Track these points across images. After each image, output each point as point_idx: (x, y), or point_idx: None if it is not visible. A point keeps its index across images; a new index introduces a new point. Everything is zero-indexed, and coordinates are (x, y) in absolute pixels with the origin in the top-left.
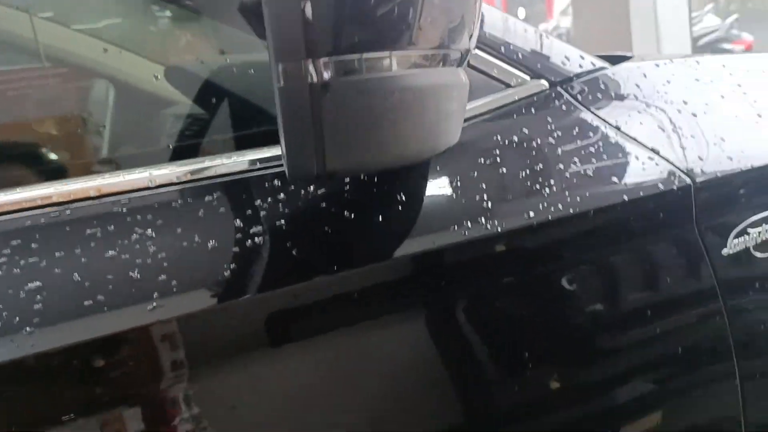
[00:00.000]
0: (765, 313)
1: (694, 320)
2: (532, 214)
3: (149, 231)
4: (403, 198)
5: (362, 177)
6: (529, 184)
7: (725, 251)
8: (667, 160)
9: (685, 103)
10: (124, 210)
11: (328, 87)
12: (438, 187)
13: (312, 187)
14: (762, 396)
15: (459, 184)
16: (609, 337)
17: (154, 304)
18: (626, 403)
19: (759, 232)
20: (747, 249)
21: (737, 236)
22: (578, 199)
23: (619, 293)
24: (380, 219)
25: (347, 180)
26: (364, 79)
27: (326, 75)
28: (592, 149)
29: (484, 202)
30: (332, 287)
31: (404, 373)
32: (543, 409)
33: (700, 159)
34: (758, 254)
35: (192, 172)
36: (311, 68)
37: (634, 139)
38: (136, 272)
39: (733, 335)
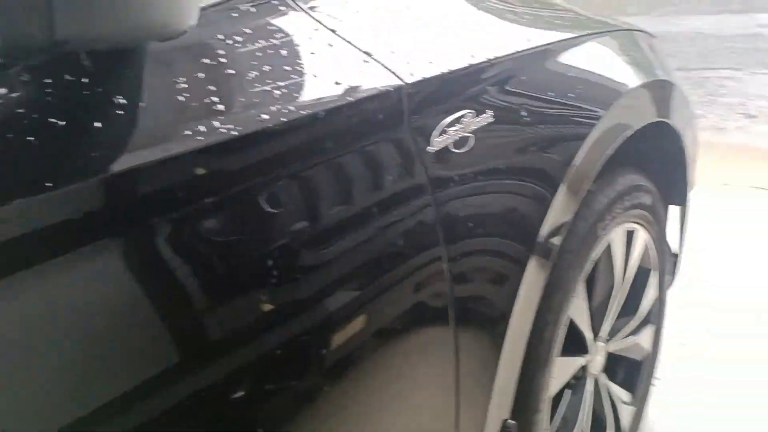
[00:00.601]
0: (466, 202)
1: (408, 214)
2: (266, 117)
3: None
4: (123, 101)
5: (68, 76)
6: (257, 86)
7: (430, 149)
8: (381, 63)
9: (390, 9)
10: None
11: None
12: (163, 87)
13: (6, 89)
14: (466, 273)
15: (186, 86)
16: (336, 226)
17: None
18: (346, 293)
19: (455, 131)
20: (447, 146)
21: (439, 135)
22: (303, 101)
23: (342, 193)
24: (96, 126)
25: (51, 80)
26: None
27: None
28: (312, 52)
29: (215, 105)
30: (35, 211)
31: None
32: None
33: (408, 62)
34: (456, 150)
35: None
36: None
37: (350, 42)
38: None
39: (440, 223)
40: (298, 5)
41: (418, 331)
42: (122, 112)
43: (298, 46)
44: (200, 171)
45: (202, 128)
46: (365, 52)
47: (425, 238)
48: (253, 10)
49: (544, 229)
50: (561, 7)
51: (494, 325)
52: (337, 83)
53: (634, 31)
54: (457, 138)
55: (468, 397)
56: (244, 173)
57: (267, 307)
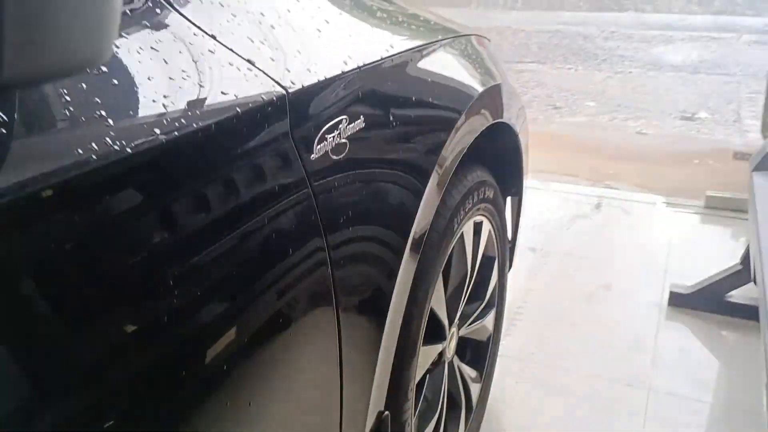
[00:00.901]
0: (345, 203)
1: (292, 216)
2: (158, 131)
3: None
4: (3, 117)
5: None
6: (144, 98)
7: (313, 156)
8: (263, 71)
9: (263, 14)
10: None
11: None
12: (46, 100)
13: None
14: (346, 259)
15: (69, 98)
16: (228, 231)
17: None
18: (238, 293)
19: (332, 137)
20: (327, 153)
21: (319, 142)
22: (193, 113)
23: (234, 202)
24: None
25: None
26: None
27: None
28: (195, 59)
29: (105, 120)
30: None
31: None
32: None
33: (288, 70)
34: (334, 157)
35: None
36: None
37: (231, 50)
38: None
39: (322, 221)
40: (176, 9)
41: (305, 329)
42: (4, 131)
43: (180, 53)
44: (94, 189)
45: (94, 145)
46: (247, 60)
47: (308, 234)
48: (129, 13)
49: (415, 226)
50: (406, 8)
51: (375, 319)
52: (223, 93)
53: (473, 36)
54: (335, 145)
55: (351, 391)
56: (135, 189)
57: (159, 305)
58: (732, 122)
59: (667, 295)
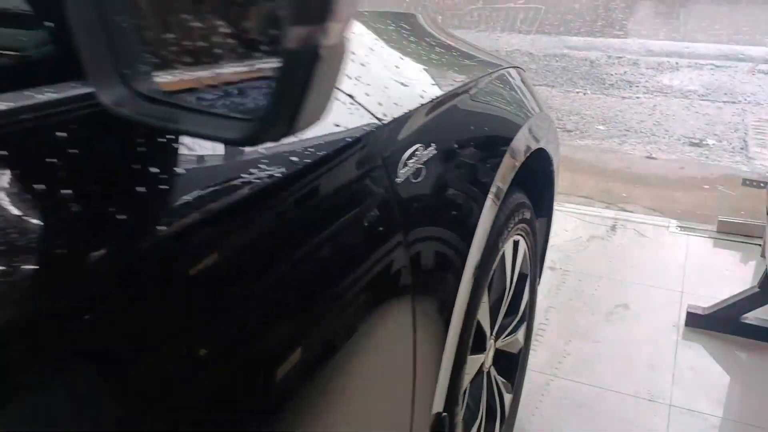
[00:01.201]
0: (422, 222)
1: (381, 235)
2: (295, 158)
3: None
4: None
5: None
6: None
7: (398, 180)
8: (362, 105)
9: (354, 53)
10: None
11: (324, 50)
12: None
13: None
14: (423, 273)
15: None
16: (327, 238)
17: None
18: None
19: (413, 163)
20: (408, 177)
21: (402, 167)
22: (317, 144)
23: (336, 217)
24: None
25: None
26: (339, 43)
27: (328, 39)
28: None
29: (258, 151)
30: None
31: None
32: None
33: (380, 104)
34: (414, 180)
35: None
36: (322, 33)
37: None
38: None
39: (405, 233)
40: None
41: (389, 332)
42: (183, 170)
43: None
44: (248, 205)
45: (253, 170)
46: (349, 95)
47: (396, 259)
48: None
49: (475, 243)
50: (454, 43)
51: (442, 327)
52: (336, 125)
53: (513, 68)
54: (414, 169)
55: (421, 392)
56: (279, 201)
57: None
58: (739, 149)
59: (684, 316)
